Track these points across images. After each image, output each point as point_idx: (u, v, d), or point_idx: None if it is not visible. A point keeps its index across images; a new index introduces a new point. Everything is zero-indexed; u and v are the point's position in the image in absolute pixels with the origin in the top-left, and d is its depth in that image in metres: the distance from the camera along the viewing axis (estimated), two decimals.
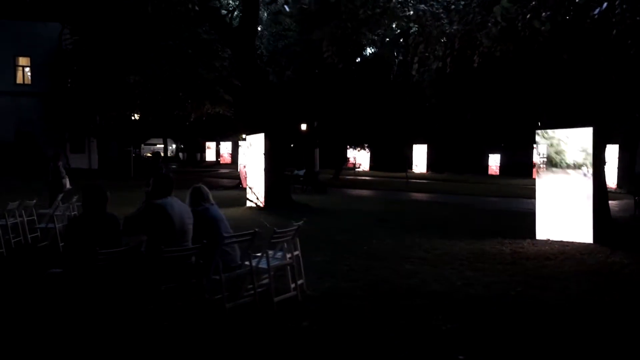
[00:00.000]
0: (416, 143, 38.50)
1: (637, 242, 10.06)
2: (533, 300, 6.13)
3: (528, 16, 6.78)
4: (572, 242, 9.87)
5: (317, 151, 38.98)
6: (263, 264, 5.54)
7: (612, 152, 23.46)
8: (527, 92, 11.14)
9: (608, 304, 6.01)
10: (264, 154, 15.37)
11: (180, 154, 64.85)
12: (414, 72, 9.28)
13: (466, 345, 4.71)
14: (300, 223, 6.17)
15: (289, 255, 6.02)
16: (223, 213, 13.33)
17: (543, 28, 6.60)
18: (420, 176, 34.80)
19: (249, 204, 15.93)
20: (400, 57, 24.53)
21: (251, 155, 16.13)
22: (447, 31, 8.18)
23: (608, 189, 22.63)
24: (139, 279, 4.62)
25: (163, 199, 4.96)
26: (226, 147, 50.90)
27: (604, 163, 10.57)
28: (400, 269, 7.77)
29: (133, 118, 28.10)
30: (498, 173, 38.67)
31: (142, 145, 63.97)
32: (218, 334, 4.82)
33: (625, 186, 22.49)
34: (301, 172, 23.37)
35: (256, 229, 5.43)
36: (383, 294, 6.36)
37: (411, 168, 38.10)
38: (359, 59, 29.91)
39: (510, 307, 5.86)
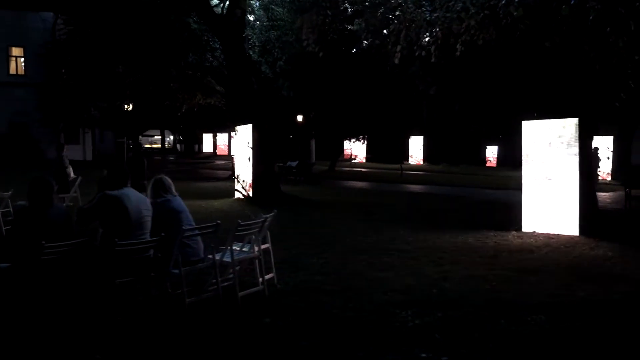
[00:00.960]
0: (413, 135, 38.29)
1: (624, 235, 9.90)
2: (506, 294, 5.97)
3: (503, 2, 6.59)
4: (558, 235, 9.71)
5: (312, 143, 38.84)
6: (227, 258, 5.38)
7: (607, 143, 23.29)
8: (514, 83, 10.94)
9: (583, 298, 5.85)
10: (252, 145, 15.20)
11: (178, 146, 64.66)
12: (396, 61, 9.08)
13: (430, 341, 4.55)
14: (269, 215, 6.00)
15: (257, 248, 5.85)
16: (211, 205, 13.12)
17: (516, 14, 6.40)
18: (416, 168, 34.62)
19: (237, 195, 15.78)
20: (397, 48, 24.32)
21: (239, 146, 15.95)
22: (428, 18, 7.99)
23: (602, 181, 22.55)
24: (91, 273, 4.47)
25: (118, 190, 4.80)
26: (223, 138, 50.71)
27: (598, 158, 10.38)
28: (378, 262, 7.62)
29: (126, 109, 27.87)
30: (495, 164, 38.49)
31: (140, 136, 64.01)
32: (174, 330, 4.67)
33: (620, 178, 22.31)
34: (294, 164, 23.17)
35: (218, 221, 5.26)
36: (355, 288, 6.20)
37: (407, 160, 37.91)
38: (354, 50, 29.67)
39: (482, 302, 5.70)
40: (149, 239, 4.81)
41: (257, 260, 5.83)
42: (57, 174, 13.04)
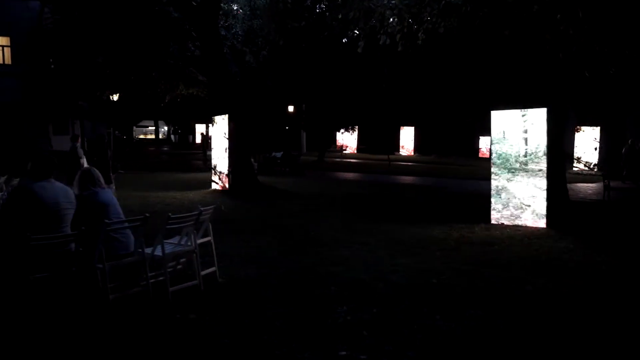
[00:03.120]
0: (405, 125, 38.03)
1: (592, 227, 9.75)
2: (453, 289, 5.82)
3: None
4: (525, 227, 9.58)
5: (303, 133, 38.65)
6: (159, 252, 5.22)
7: (595, 135, 23.12)
8: (487, 73, 10.75)
9: (529, 292, 5.70)
10: (228, 136, 15.04)
11: (172, 137, 64.40)
12: (359, 50, 8.88)
13: (356, 339, 4.40)
14: (207, 208, 5.84)
15: (194, 242, 5.68)
16: (185, 196, 12.95)
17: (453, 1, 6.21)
18: (406, 159, 34.42)
19: (214, 186, 15.62)
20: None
21: (217, 137, 15.76)
22: (386, 3, 7.77)
23: (589, 172, 22.35)
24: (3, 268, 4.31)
25: (35, 182, 4.62)
26: None
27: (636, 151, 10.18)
28: (334, 255, 7.46)
29: (112, 99, 27.65)
30: (489, 155, 38.18)
31: (134, 127, 63.65)
32: (91, 327, 4.51)
33: (606, 169, 22.14)
34: (279, 154, 22.99)
35: (147, 214, 5.10)
36: (300, 282, 6.05)
37: (399, 151, 37.72)
38: (345, 40, 29.39)
39: (426, 296, 5.54)
40: (69, 233, 4.65)
41: (194, 254, 5.66)
42: (70, 164, 13.37)
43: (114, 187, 12.13)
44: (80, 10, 22.00)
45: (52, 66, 32.02)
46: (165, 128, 67.99)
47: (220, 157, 15.48)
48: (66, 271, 4.64)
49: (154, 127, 66.86)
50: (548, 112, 9.33)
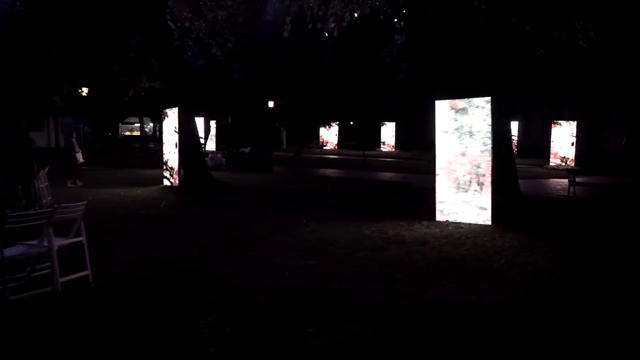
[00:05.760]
0: (386, 121, 37.38)
1: (541, 225, 9.11)
2: (347, 295, 5.17)
3: None
4: (471, 224, 8.95)
5: (283, 130, 38.03)
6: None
7: (572, 129, 22.50)
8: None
9: (427, 300, 5.05)
10: (177, 129, 14.37)
11: (158, 133, 63.60)
12: (285, 34, 8.24)
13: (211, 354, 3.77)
14: (82, 204, 5.19)
15: (50, 243, 5.01)
16: (130, 193, 12.18)
17: None
18: (385, 154, 33.77)
19: (165, 182, 14.93)
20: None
21: (168, 131, 15.07)
22: None
23: (566, 166, 21.75)
24: None
25: None
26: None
27: None
28: (242, 256, 6.80)
29: (80, 94, 26.90)
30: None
31: (120, 124, 62.73)
32: None
33: (584, 164, 21.57)
34: (247, 150, 22.30)
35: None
36: (181, 287, 5.40)
37: (379, 146, 37.06)
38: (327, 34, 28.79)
39: (311, 306, 4.88)
40: None
41: (52, 257, 4.99)
42: (67, 160, 14.26)
43: (44, 182, 11.46)
44: (46, 4, 21.42)
45: (24, 60, 31.23)
46: (151, 125, 67.18)
47: (171, 152, 14.80)
48: None
49: (138, 124, 65.91)
50: (492, 101, 8.69)
